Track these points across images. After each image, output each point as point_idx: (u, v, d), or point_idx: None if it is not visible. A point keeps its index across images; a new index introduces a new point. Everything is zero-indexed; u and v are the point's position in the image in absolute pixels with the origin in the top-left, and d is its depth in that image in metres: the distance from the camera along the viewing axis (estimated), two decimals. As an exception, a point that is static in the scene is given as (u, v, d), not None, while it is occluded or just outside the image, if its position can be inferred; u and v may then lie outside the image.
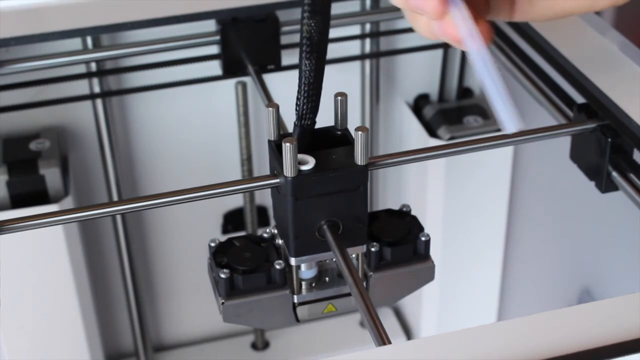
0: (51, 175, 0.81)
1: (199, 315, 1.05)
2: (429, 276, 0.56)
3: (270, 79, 0.77)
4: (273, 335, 1.07)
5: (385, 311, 1.09)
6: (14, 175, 0.81)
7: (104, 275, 0.98)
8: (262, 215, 0.99)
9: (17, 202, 0.81)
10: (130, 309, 0.97)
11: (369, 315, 0.46)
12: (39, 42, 0.71)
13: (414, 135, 0.92)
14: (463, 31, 0.42)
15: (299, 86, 0.47)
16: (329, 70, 0.83)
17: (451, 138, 0.87)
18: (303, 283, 0.54)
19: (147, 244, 0.99)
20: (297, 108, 0.48)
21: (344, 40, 0.82)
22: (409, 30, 0.85)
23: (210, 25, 0.77)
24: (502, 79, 0.41)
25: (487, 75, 0.41)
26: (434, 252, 0.55)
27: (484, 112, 0.91)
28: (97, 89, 0.82)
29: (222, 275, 0.52)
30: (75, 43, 0.77)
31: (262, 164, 0.94)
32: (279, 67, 0.78)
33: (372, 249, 0.53)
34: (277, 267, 0.52)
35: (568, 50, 0.66)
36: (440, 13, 0.42)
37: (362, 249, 0.53)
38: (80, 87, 0.82)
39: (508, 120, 0.41)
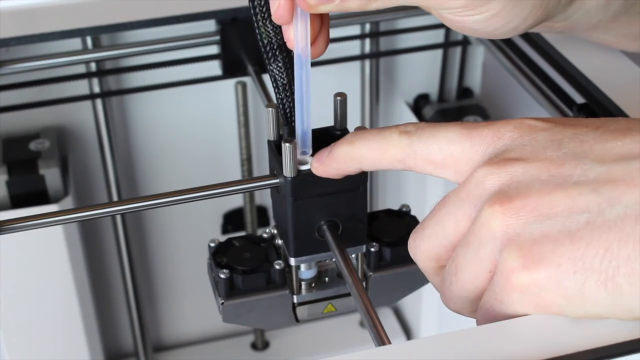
0: (51, 175, 0.81)
1: (199, 315, 1.05)
2: (429, 276, 0.56)
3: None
4: (273, 335, 1.07)
5: (385, 311, 1.09)
6: (14, 175, 0.81)
7: (104, 275, 0.98)
8: (262, 215, 0.99)
9: (17, 202, 0.81)
10: (130, 309, 0.97)
11: (368, 315, 0.46)
12: (39, 42, 0.71)
13: (414, 135, 0.91)
14: (298, 43, 0.45)
15: (274, 89, 0.48)
16: (329, 70, 0.83)
17: (451, 138, 0.87)
18: (303, 283, 0.54)
19: (147, 244, 0.99)
20: (281, 110, 0.49)
21: (344, 40, 0.82)
22: (409, 30, 0.86)
23: (210, 25, 0.77)
24: (310, 97, 0.46)
25: (300, 90, 0.46)
26: (433, 252, 0.55)
27: (484, 112, 0.91)
28: (97, 89, 0.82)
29: (222, 276, 0.52)
30: (75, 43, 0.77)
31: (262, 164, 0.94)
32: (278, 67, 0.78)
33: (372, 249, 0.53)
34: (277, 267, 0.52)
35: (568, 50, 0.66)
36: (281, 20, 0.45)
37: (362, 249, 0.53)
38: (80, 87, 0.82)
39: (300, 136, 0.47)
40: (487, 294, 0.39)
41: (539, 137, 0.40)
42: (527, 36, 0.71)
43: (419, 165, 0.43)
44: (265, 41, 0.47)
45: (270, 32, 0.46)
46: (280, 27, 0.46)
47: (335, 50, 0.77)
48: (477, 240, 0.38)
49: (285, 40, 0.46)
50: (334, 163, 0.46)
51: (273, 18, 0.45)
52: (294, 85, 0.47)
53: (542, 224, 0.37)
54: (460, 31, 0.51)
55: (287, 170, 0.48)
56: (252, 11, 0.46)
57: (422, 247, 0.42)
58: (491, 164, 0.39)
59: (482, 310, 0.40)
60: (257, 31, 0.47)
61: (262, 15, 0.46)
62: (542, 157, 0.39)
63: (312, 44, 0.46)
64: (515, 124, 0.41)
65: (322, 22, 0.46)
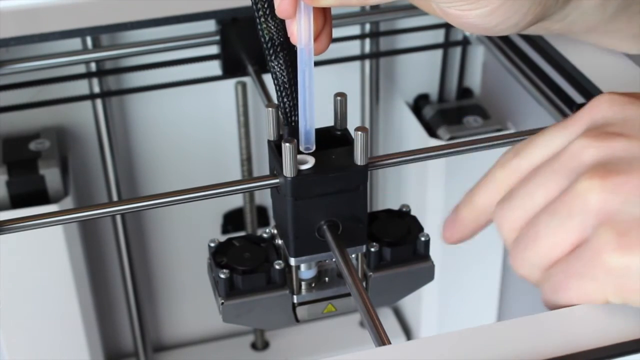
0: (51, 175, 0.81)
1: (199, 315, 1.05)
2: (429, 276, 0.56)
3: (270, 79, 0.77)
4: (273, 335, 1.07)
5: (385, 311, 1.09)
6: (14, 175, 0.81)
7: (104, 275, 0.98)
8: (262, 215, 0.99)
9: (17, 202, 0.81)
10: (130, 309, 0.97)
11: (368, 315, 0.46)
12: (39, 42, 0.71)
13: (414, 135, 0.92)
14: (302, 38, 0.45)
15: (275, 87, 0.48)
16: (329, 70, 0.83)
17: (451, 138, 0.87)
18: (303, 283, 0.54)
19: (147, 244, 0.99)
20: (281, 109, 0.49)
21: (343, 40, 0.82)
22: (409, 30, 0.86)
23: (210, 25, 0.77)
24: (313, 92, 0.46)
25: (303, 84, 0.46)
26: (433, 252, 0.55)
27: (484, 112, 0.91)
28: (97, 89, 0.82)
29: (222, 276, 0.52)
30: (75, 43, 0.77)
31: (262, 164, 0.94)
32: (279, 67, 0.78)
33: (372, 249, 0.53)
34: (277, 267, 0.52)
35: (568, 50, 0.66)
36: (285, 14, 0.45)
37: (362, 249, 0.53)
38: (80, 87, 0.82)
39: (303, 132, 0.47)
40: (565, 265, 0.38)
41: None
42: (527, 36, 0.71)
43: None
44: (267, 37, 0.47)
45: (272, 28, 0.46)
46: (282, 23, 0.46)
47: (335, 50, 0.77)
48: (567, 210, 0.37)
49: (288, 36, 0.46)
50: (467, 224, 0.45)
51: (277, 12, 0.45)
52: (294, 84, 0.47)
53: None
54: (461, 27, 0.51)
55: (287, 170, 0.48)
56: (254, 7, 0.46)
57: (508, 217, 0.40)
58: (589, 136, 0.38)
59: (552, 280, 0.39)
60: (258, 27, 0.46)
61: (264, 11, 0.46)
62: None
63: (315, 39, 0.45)
64: (612, 97, 0.39)
65: (325, 17, 0.46)
